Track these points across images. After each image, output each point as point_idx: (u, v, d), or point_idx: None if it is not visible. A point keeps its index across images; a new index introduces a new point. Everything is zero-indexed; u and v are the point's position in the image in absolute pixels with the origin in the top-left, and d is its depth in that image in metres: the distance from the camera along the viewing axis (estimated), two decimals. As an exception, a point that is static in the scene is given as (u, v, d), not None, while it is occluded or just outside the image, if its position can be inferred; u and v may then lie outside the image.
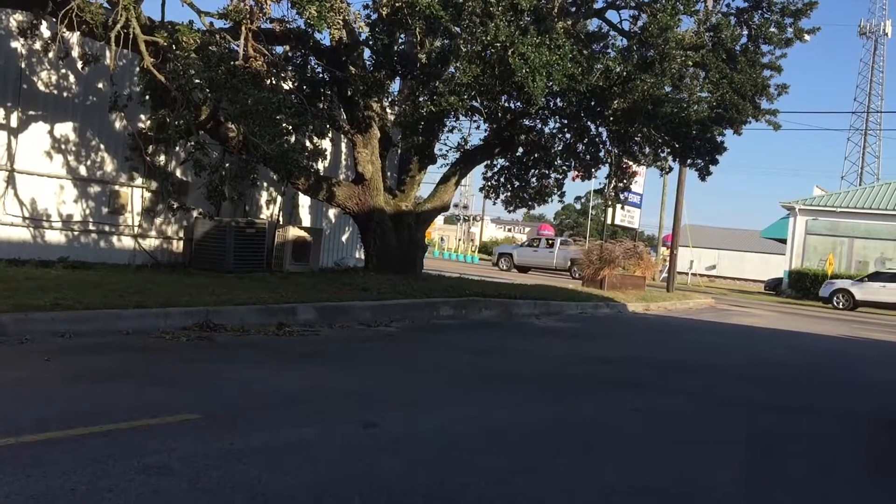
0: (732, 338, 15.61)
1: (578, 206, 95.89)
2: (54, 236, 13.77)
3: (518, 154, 18.77)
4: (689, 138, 16.85)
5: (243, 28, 12.05)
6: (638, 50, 15.58)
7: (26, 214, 13.38)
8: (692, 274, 48.59)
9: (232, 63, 12.10)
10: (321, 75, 15.68)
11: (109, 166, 14.55)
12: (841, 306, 30.97)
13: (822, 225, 38.75)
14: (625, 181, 21.42)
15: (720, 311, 23.65)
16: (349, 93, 15.34)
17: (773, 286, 43.11)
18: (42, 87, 13.58)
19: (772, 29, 16.95)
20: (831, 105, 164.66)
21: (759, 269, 52.17)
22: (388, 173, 18.02)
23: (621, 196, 24.21)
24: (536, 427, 5.92)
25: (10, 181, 13.16)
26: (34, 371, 6.28)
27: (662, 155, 19.31)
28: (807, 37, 16.91)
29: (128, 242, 14.83)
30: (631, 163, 20.56)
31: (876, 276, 31.91)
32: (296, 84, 14.91)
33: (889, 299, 30.70)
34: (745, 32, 17.16)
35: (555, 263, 36.26)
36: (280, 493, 3.86)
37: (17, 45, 13.04)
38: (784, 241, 41.09)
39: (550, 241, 38.95)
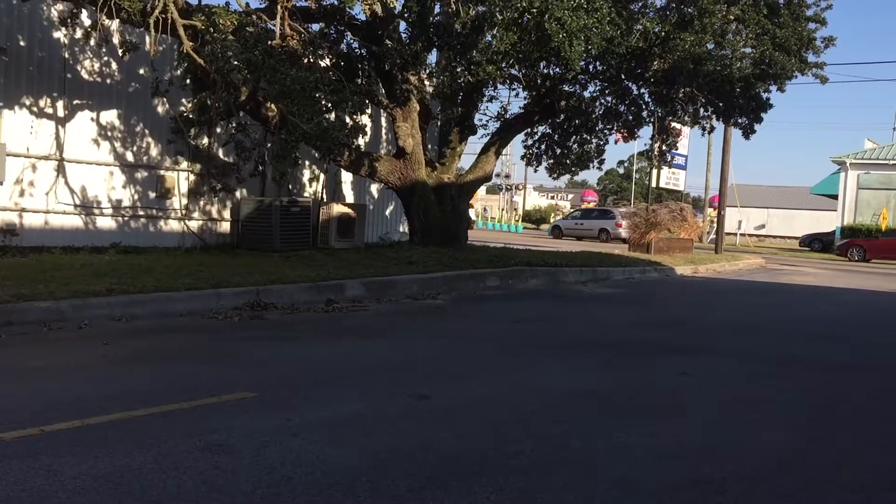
0: (784, 297, 15.38)
1: (622, 171, 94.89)
2: (105, 222, 14.06)
3: (559, 120, 18.59)
4: (732, 96, 16.50)
5: (279, 7, 12.10)
6: (676, 7, 15.25)
7: (77, 202, 13.68)
8: (741, 234, 47.86)
9: (269, 43, 12.15)
10: (357, 51, 15.66)
11: (154, 151, 14.78)
12: None
13: (875, 178, 37.79)
14: (669, 141, 21.10)
15: (771, 271, 23.28)
16: (386, 67, 15.30)
17: (808, 242, 42.55)
18: (86, 76, 13.80)
19: (816, -21, 16.45)
20: (881, 55, 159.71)
21: (810, 227, 51.06)
22: (429, 146, 18.00)
23: (667, 156, 23.86)
24: (587, 393, 5.92)
25: (60, 170, 13.45)
26: (94, 355, 6.46)
27: (706, 114, 18.96)
28: (853, -15, 16.34)
29: (176, 226, 15.08)
30: (675, 123, 20.25)
31: None
32: (333, 61, 14.93)
33: None
34: (789, -16, 16.66)
35: None
36: (338, 465, 3.93)
37: (60, 35, 13.24)
38: (835, 197, 40.18)
39: None
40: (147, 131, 14.67)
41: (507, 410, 5.27)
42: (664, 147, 21.44)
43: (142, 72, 14.28)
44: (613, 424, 5.05)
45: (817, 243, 41.65)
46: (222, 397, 5.17)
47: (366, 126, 15.48)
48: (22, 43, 12.96)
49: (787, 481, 4.09)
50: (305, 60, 13.04)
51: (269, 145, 13.94)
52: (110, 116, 14.16)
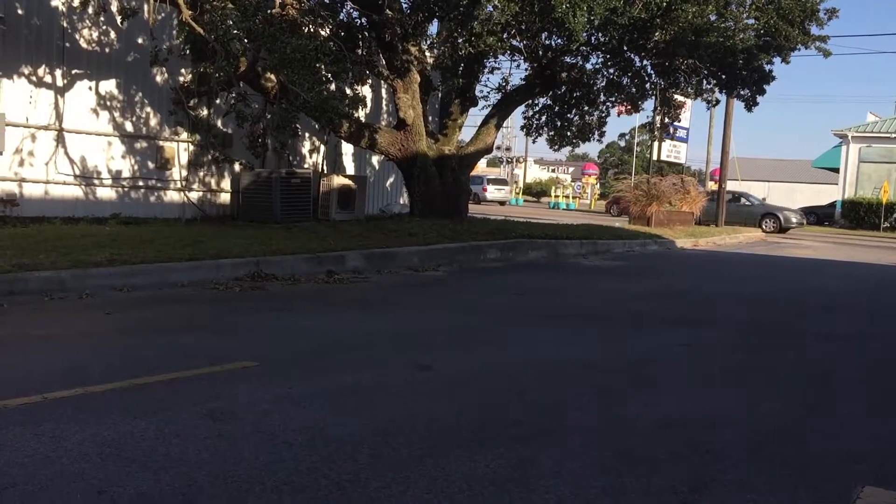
0: (783, 270, 15.39)
1: (623, 144, 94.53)
2: (105, 193, 14.02)
3: (560, 92, 18.50)
4: (735, 68, 16.40)
5: (278, -25, 11.96)
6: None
7: (77, 172, 13.63)
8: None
9: (268, 12, 12.04)
10: (358, 20, 15.53)
11: (154, 121, 14.70)
12: None
13: (876, 152, 37.67)
14: (671, 113, 21.02)
15: (771, 244, 23.29)
16: (387, 37, 15.17)
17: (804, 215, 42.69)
18: (84, 45, 13.69)
19: (820, -51, 16.29)
20: (884, 27, 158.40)
21: (810, 201, 50.92)
22: (430, 117, 17.92)
23: (669, 129, 23.79)
24: (588, 364, 5.95)
25: (60, 140, 13.39)
26: (96, 324, 6.48)
27: (708, 86, 18.86)
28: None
29: (176, 197, 15.04)
30: (678, 96, 20.15)
31: None
32: (333, 30, 14.79)
33: None
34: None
35: None
36: (341, 434, 3.95)
37: (58, 2, 13.12)
38: (837, 171, 40.09)
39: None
40: (146, 101, 14.58)
41: (507, 381, 5.29)
42: (666, 119, 21.36)
43: (140, 41, 14.16)
44: (614, 394, 5.08)
45: (812, 216, 41.72)
46: (224, 366, 5.19)
47: (366, 97, 15.38)
48: (20, 11, 12.85)
49: (785, 449, 4.11)
50: (305, 30, 12.92)
51: (269, 116, 13.87)
52: (109, 86, 14.07)
